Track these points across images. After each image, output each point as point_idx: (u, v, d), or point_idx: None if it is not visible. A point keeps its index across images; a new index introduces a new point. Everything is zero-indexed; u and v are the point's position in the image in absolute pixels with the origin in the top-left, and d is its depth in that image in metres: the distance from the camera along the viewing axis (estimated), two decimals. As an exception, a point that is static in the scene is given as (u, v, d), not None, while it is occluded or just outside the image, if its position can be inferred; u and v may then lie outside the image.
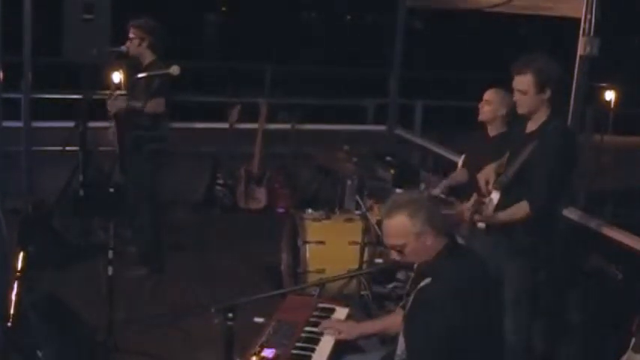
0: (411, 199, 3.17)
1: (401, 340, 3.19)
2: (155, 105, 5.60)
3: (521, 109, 4.12)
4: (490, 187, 4.15)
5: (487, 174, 4.23)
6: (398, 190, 5.40)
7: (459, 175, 5.42)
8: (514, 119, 4.24)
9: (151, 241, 6.03)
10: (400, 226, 3.11)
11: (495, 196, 4.13)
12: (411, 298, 3.19)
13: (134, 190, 5.87)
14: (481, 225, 4.09)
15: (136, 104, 5.55)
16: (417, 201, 3.17)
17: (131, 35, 5.82)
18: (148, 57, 5.85)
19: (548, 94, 4.02)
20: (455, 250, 3.19)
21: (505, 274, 4.07)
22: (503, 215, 4.06)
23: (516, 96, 4.10)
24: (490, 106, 5.16)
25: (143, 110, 5.47)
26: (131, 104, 5.62)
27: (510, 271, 4.09)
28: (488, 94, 5.18)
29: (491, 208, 4.07)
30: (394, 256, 3.20)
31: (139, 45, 5.82)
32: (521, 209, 4.02)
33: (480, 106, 5.20)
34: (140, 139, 5.72)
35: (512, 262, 4.11)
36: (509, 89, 4.28)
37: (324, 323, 3.57)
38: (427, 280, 3.11)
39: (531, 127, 4.14)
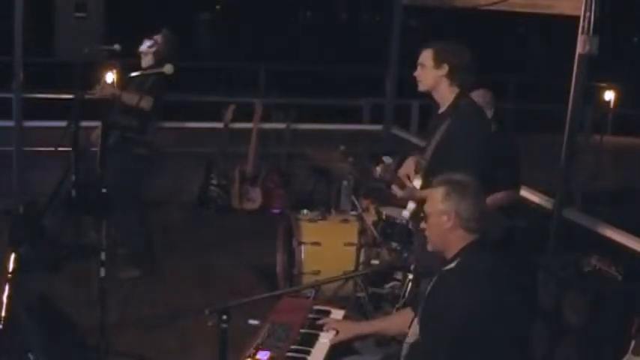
0: (460, 182, 3.20)
1: (414, 327, 3.19)
2: (144, 101, 5.54)
3: (421, 85, 4.18)
4: (412, 177, 4.22)
5: (408, 167, 4.32)
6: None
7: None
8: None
9: (139, 243, 5.97)
10: (434, 197, 3.20)
11: (417, 182, 4.21)
12: (433, 281, 3.20)
13: (115, 192, 5.80)
14: (405, 214, 4.23)
15: (129, 100, 5.49)
16: (463, 186, 3.18)
17: (148, 45, 5.80)
18: (147, 61, 5.83)
19: (445, 70, 4.07)
20: (478, 250, 3.16)
21: None
22: (423, 192, 4.11)
23: (417, 71, 4.18)
24: None
25: (133, 107, 5.41)
26: (124, 99, 5.56)
27: None
28: None
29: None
30: (423, 224, 3.31)
31: (150, 47, 5.80)
32: None
33: None
34: (127, 141, 5.66)
35: None
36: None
37: (323, 321, 3.54)
38: (451, 265, 3.13)
39: (442, 109, 4.20)
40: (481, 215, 3.17)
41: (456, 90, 4.12)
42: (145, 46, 5.84)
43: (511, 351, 3.14)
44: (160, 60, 5.78)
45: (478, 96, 5.17)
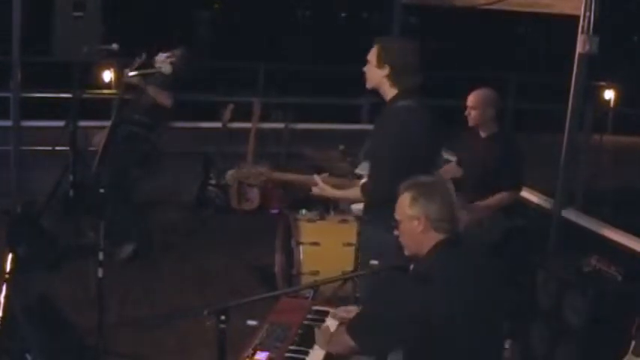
0: (425, 184, 3.20)
1: None
2: (165, 96, 5.60)
3: (367, 83, 4.14)
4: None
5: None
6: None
7: (453, 169, 5.46)
8: None
9: (129, 217, 6.02)
10: (401, 203, 3.21)
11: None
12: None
13: (111, 187, 5.82)
14: (355, 207, 4.32)
15: (153, 93, 5.56)
16: (430, 188, 3.18)
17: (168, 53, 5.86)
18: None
19: (386, 71, 4.00)
20: (452, 246, 3.15)
21: None
22: (340, 192, 4.20)
23: (365, 67, 4.13)
24: (476, 110, 5.13)
25: (153, 103, 5.44)
26: (149, 91, 5.65)
27: None
28: (471, 100, 5.17)
29: None
30: (396, 231, 3.28)
31: (167, 58, 5.85)
32: (352, 191, 4.12)
33: (466, 113, 5.16)
34: (135, 136, 5.68)
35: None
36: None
37: (335, 310, 3.60)
38: (420, 267, 3.15)
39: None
40: (452, 214, 3.16)
41: (395, 91, 4.04)
42: (163, 56, 5.86)
43: (486, 347, 3.12)
44: (175, 72, 5.81)
45: (481, 95, 5.16)
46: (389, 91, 4.05)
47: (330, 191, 4.20)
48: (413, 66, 4.02)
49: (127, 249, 5.97)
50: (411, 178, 3.28)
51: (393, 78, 4.01)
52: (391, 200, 3.82)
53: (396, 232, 3.28)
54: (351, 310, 3.58)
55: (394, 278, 3.37)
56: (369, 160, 4.08)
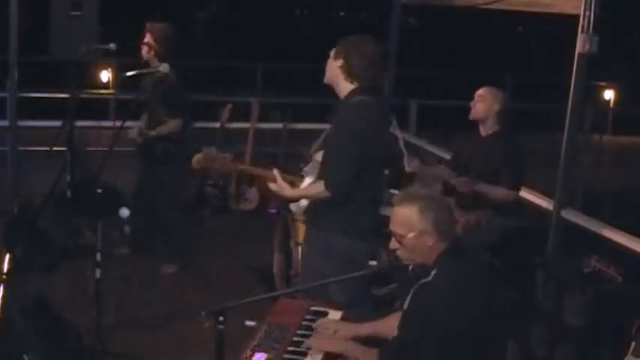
0: (428, 196, 3.16)
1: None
2: (171, 127, 5.71)
3: (325, 77, 4.15)
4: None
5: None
6: (392, 191, 5.32)
7: (440, 170, 5.44)
8: None
9: (179, 240, 6.09)
10: (407, 218, 3.12)
11: (308, 180, 4.25)
12: (410, 295, 3.18)
13: (157, 198, 6.00)
14: (293, 207, 4.33)
15: (163, 132, 5.71)
16: (433, 200, 3.15)
17: (145, 39, 5.78)
18: (155, 65, 5.78)
19: (340, 62, 4.01)
20: (456, 253, 3.14)
21: None
22: (299, 191, 4.20)
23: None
24: (483, 103, 5.10)
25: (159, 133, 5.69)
26: (160, 133, 5.73)
27: None
28: (481, 91, 5.14)
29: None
30: (393, 244, 3.20)
31: (148, 52, 5.77)
32: (314, 187, 4.09)
33: (471, 104, 5.13)
34: (169, 152, 5.73)
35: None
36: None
37: (319, 322, 3.50)
38: (427, 279, 3.10)
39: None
40: (455, 222, 3.18)
41: (351, 87, 4.03)
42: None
43: (496, 349, 3.14)
44: (161, 58, 5.77)
45: (491, 90, 5.14)
46: (344, 86, 4.04)
47: (287, 190, 4.16)
48: (372, 62, 3.99)
49: (170, 269, 6.04)
50: (404, 191, 3.24)
51: (348, 70, 3.99)
52: (349, 197, 3.84)
53: (393, 245, 3.20)
54: (328, 327, 3.49)
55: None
56: (329, 157, 4.04)
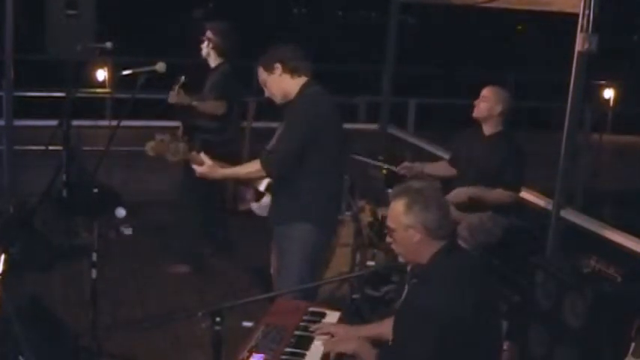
0: (419, 191, 3.11)
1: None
2: (213, 106, 5.61)
3: (274, 98, 4.26)
4: None
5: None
6: (389, 190, 5.30)
7: (442, 168, 5.46)
8: None
9: (196, 241, 6.10)
10: (394, 211, 3.12)
11: (265, 181, 4.33)
12: (403, 296, 3.20)
13: (188, 195, 6.00)
14: (264, 204, 4.37)
15: (204, 109, 5.67)
16: (423, 195, 3.10)
17: (205, 34, 5.86)
18: (213, 60, 5.88)
19: (277, 70, 4.14)
20: (451, 252, 3.12)
21: None
22: (229, 170, 4.28)
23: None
24: (487, 102, 5.09)
25: (194, 108, 5.58)
26: (200, 109, 5.68)
27: None
28: (486, 91, 5.14)
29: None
30: (388, 238, 3.21)
31: (207, 46, 5.85)
32: (245, 166, 4.26)
33: (475, 103, 5.12)
34: (208, 144, 5.64)
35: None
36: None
37: (317, 326, 3.48)
38: (423, 276, 3.10)
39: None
40: (447, 221, 3.12)
41: (302, 80, 4.13)
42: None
43: (492, 348, 3.12)
44: (220, 52, 5.87)
45: (496, 90, 5.12)
46: (295, 84, 4.13)
47: (217, 171, 4.21)
48: (297, 52, 4.19)
49: (183, 269, 6.03)
50: (401, 184, 3.23)
51: (291, 68, 4.12)
52: (296, 184, 3.97)
53: (388, 239, 3.21)
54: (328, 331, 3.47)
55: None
56: (278, 140, 4.14)
